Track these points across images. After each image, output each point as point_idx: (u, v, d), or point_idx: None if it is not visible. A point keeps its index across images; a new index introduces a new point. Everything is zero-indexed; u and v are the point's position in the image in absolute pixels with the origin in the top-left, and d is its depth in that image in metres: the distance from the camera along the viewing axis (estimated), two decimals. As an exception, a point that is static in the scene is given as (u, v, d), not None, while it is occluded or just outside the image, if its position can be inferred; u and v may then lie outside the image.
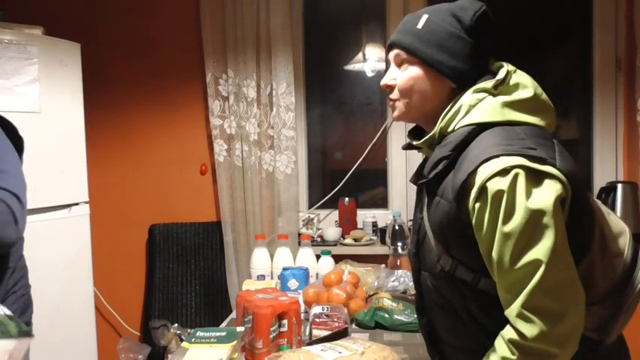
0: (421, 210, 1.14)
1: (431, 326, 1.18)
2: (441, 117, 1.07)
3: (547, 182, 0.93)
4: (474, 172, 0.95)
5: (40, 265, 2.15)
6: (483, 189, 0.94)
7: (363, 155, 2.82)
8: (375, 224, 2.75)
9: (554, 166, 0.94)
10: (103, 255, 2.83)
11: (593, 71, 2.66)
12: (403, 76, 1.11)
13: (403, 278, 1.93)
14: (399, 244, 2.25)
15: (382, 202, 2.91)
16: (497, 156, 0.94)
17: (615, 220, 1.08)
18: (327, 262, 2.16)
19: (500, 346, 0.96)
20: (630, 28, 2.47)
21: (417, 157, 2.68)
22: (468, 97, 1.04)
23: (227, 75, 2.72)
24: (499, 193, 0.92)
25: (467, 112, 1.03)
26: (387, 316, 1.70)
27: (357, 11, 2.93)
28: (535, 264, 0.90)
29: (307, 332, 1.53)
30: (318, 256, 2.15)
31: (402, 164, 2.80)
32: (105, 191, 2.91)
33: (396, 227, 2.32)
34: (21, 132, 1.52)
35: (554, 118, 1.08)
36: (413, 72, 1.10)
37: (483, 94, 1.04)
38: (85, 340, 2.44)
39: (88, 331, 2.46)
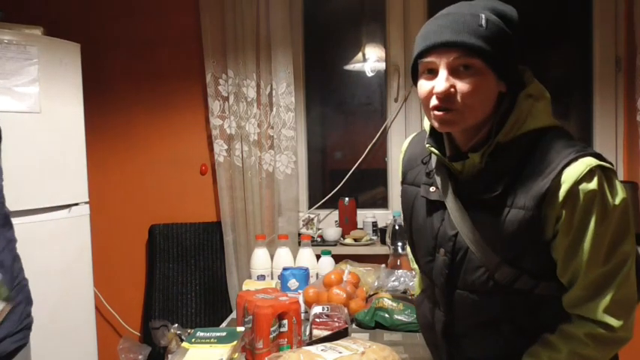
0: (451, 226, 1.07)
1: (459, 349, 1.14)
2: (496, 125, 1.02)
3: (615, 178, 0.98)
4: (558, 176, 0.95)
5: (40, 265, 2.16)
6: (573, 191, 0.94)
7: (363, 155, 2.82)
8: (375, 224, 2.75)
9: (607, 162, 0.98)
10: (103, 255, 2.83)
11: (593, 71, 2.66)
12: (469, 82, 0.98)
13: (403, 278, 1.93)
14: (399, 244, 2.26)
15: (382, 202, 2.91)
16: (576, 159, 0.95)
17: None
18: (327, 262, 2.16)
19: (567, 341, 0.99)
20: (630, 28, 2.47)
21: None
22: (522, 104, 1.02)
23: (227, 75, 2.72)
24: (591, 194, 0.94)
25: (525, 120, 1.02)
26: (387, 316, 1.70)
27: (357, 11, 2.93)
28: (625, 256, 0.97)
29: (307, 332, 1.53)
30: (318, 256, 2.15)
31: (402, 164, 2.79)
32: (105, 191, 2.91)
33: (396, 227, 2.33)
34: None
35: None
36: (479, 77, 0.98)
37: (530, 99, 1.03)
38: (85, 340, 2.44)
39: (88, 331, 2.46)
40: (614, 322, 0.96)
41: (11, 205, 1.53)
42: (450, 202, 1.07)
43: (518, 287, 1.02)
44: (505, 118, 1.01)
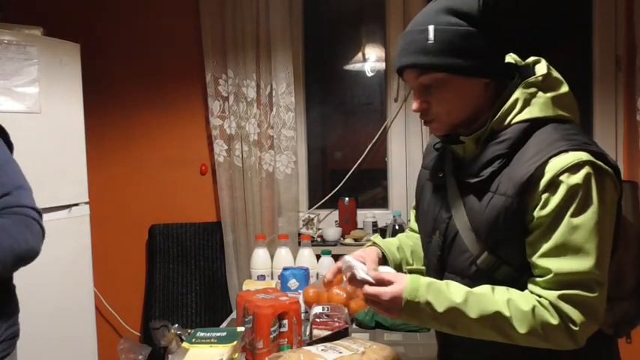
0: (447, 209, 1.10)
1: (448, 335, 1.14)
2: (492, 112, 1.04)
3: (609, 182, 0.97)
4: (542, 166, 0.95)
5: (40, 265, 2.15)
6: (555, 181, 0.94)
7: (363, 155, 2.82)
8: (375, 224, 2.74)
9: (609, 164, 0.97)
10: (103, 255, 2.82)
11: (593, 70, 2.66)
12: (436, 97, 1.05)
13: (403, 278, 1.93)
14: (399, 244, 2.25)
15: (382, 202, 2.91)
16: (567, 151, 0.95)
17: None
18: (327, 262, 2.15)
19: (514, 291, 0.98)
20: (630, 28, 2.47)
21: (417, 157, 2.68)
22: (521, 92, 1.03)
23: (227, 75, 2.73)
24: (574, 187, 0.93)
25: (522, 108, 1.02)
26: (387, 316, 1.69)
27: (357, 11, 2.93)
28: (589, 258, 0.93)
29: (308, 332, 1.53)
30: (318, 256, 2.15)
31: (402, 164, 2.80)
32: (105, 191, 2.91)
33: (396, 227, 2.33)
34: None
35: (578, 114, 1.08)
36: (444, 88, 1.03)
37: (534, 89, 1.03)
38: (85, 340, 2.44)
39: (88, 331, 2.46)
40: (574, 315, 0.92)
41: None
42: (449, 185, 1.11)
43: (500, 278, 1.01)
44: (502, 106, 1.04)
